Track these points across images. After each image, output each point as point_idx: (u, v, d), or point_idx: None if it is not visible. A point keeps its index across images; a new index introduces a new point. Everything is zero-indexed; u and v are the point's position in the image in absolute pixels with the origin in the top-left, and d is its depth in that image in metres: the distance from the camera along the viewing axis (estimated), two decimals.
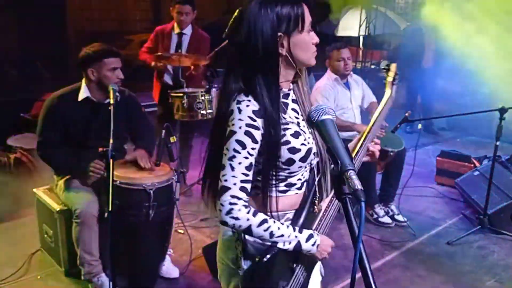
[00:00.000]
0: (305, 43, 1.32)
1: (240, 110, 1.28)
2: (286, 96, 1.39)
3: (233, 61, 1.34)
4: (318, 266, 1.49)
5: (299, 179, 1.39)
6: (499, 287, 2.95)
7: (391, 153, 3.60)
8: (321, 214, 1.41)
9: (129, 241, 2.57)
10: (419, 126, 3.54)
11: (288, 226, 1.33)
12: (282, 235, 1.31)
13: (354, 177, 0.99)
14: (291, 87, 1.42)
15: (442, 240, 3.51)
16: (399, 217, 3.72)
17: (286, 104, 1.38)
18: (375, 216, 3.71)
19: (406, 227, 3.66)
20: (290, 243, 1.32)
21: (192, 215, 3.69)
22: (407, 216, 3.79)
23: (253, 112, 1.28)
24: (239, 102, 1.28)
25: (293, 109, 1.40)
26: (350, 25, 8.85)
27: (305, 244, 1.34)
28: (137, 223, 2.54)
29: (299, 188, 1.40)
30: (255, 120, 1.27)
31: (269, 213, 1.34)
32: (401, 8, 14.15)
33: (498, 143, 3.47)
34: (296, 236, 1.33)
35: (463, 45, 7.20)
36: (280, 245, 1.32)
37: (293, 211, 1.41)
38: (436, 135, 6.27)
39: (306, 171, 1.41)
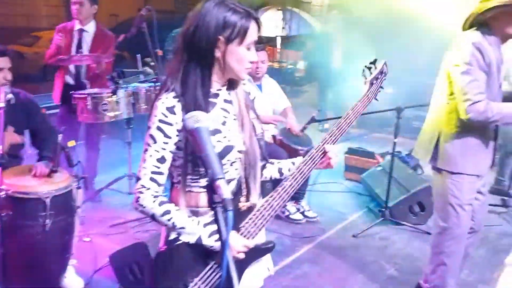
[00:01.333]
0: (240, 56, 1.38)
1: (156, 107, 1.38)
2: (216, 95, 1.44)
3: (178, 48, 1.41)
4: (265, 262, 1.58)
5: None
6: (398, 275, 3.16)
7: (301, 152, 3.72)
8: (252, 212, 1.44)
9: (25, 254, 2.41)
10: (326, 125, 3.67)
11: (193, 220, 1.39)
12: (184, 228, 1.39)
13: (224, 185, 0.99)
14: (225, 88, 1.47)
15: (349, 233, 3.69)
16: (310, 213, 3.85)
17: (214, 104, 1.43)
18: (287, 213, 3.81)
19: (316, 223, 3.81)
20: (193, 236, 1.39)
21: (100, 222, 3.54)
22: (318, 211, 3.94)
23: (167, 108, 1.36)
24: (157, 100, 1.39)
25: (223, 109, 1.45)
26: (267, 25, 9.03)
27: (206, 239, 1.39)
28: (34, 234, 2.39)
29: None
30: (167, 116, 1.36)
31: (194, 208, 1.42)
32: (316, 10, 14.69)
33: (396, 140, 3.72)
34: (198, 231, 1.39)
35: (370, 47, 7.64)
36: (182, 237, 1.40)
37: None
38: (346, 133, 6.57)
39: (236, 169, 1.46)
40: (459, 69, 2.31)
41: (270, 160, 1.67)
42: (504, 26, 2.30)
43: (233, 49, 1.36)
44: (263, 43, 3.70)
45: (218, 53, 1.37)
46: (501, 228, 3.89)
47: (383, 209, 3.81)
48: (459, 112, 2.33)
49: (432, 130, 2.52)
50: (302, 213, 3.85)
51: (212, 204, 1.00)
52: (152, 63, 3.99)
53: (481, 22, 2.34)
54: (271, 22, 8.68)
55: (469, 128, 2.38)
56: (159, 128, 1.36)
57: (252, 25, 1.38)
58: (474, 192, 2.52)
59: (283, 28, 8.41)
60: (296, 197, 3.90)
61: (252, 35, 1.38)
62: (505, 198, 4.21)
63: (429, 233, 3.39)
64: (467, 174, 2.43)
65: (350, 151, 4.79)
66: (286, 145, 3.66)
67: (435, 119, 2.52)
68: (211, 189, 1.01)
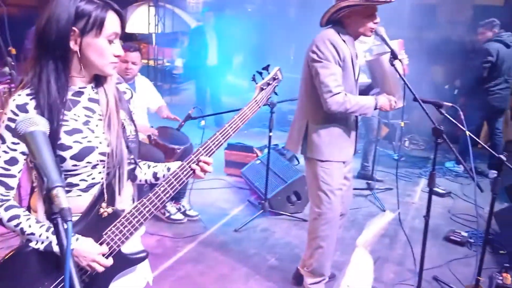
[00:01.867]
0: (100, 48, 1.30)
1: (8, 105, 1.28)
2: (79, 93, 1.36)
3: (32, 43, 1.30)
4: (141, 271, 1.50)
5: (83, 180, 1.34)
6: (279, 264, 3.26)
7: (178, 150, 3.64)
8: (118, 219, 1.35)
9: None
10: (202, 122, 3.64)
11: (42, 226, 1.28)
12: (33, 234, 1.29)
13: (62, 194, 0.89)
14: (91, 86, 1.38)
15: (231, 228, 3.72)
16: (191, 212, 3.80)
17: (76, 102, 1.35)
18: (167, 214, 3.70)
19: (198, 221, 3.77)
20: (42, 242, 1.30)
21: None
22: (199, 209, 3.90)
23: (17, 106, 1.26)
24: (12, 97, 1.29)
25: (86, 108, 1.37)
26: (139, 21, 8.71)
27: (55, 246, 1.28)
28: None
29: (84, 190, 1.34)
30: (17, 115, 1.25)
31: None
32: (192, 8, 14.61)
33: (271, 133, 3.83)
34: (47, 237, 1.28)
35: (246, 44, 7.82)
36: (32, 244, 1.30)
37: (79, 214, 1.33)
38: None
39: (99, 172, 1.35)
40: (318, 64, 2.45)
41: (145, 163, 1.59)
42: (355, 25, 2.50)
43: (91, 41, 1.28)
44: (136, 42, 3.52)
45: (74, 46, 1.27)
46: (368, 209, 4.26)
47: (263, 201, 3.91)
48: (322, 104, 2.48)
49: (300, 122, 2.64)
50: (183, 212, 3.77)
51: (50, 215, 0.89)
52: (13, 63, 3.56)
53: (336, 20, 2.51)
54: (144, 19, 8.38)
55: (332, 119, 2.55)
56: (8, 127, 1.27)
57: (110, 16, 1.29)
58: (342, 178, 2.71)
59: (156, 25, 8.17)
60: (176, 197, 3.81)
61: (111, 26, 1.29)
62: (369, 181, 4.60)
63: (306, 220, 3.57)
64: (335, 161, 2.60)
65: (229, 147, 4.83)
66: (161, 145, 3.55)
67: (302, 111, 2.65)
68: (48, 199, 0.90)
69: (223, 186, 4.58)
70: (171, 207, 3.70)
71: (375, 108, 2.55)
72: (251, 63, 8.61)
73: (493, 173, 5.09)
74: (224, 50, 6.51)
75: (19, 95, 1.27)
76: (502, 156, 2.72)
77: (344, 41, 2.49)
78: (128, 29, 9.12)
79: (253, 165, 4.45)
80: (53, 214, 0.87)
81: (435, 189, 4.69)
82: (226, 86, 6.65)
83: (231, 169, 4.77)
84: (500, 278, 3.17)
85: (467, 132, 2.82)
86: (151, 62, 8.64)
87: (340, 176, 2.67)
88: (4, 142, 1.28)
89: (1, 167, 1.28)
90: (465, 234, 3.78)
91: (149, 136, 3.68)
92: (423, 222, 4.08)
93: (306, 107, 2.62)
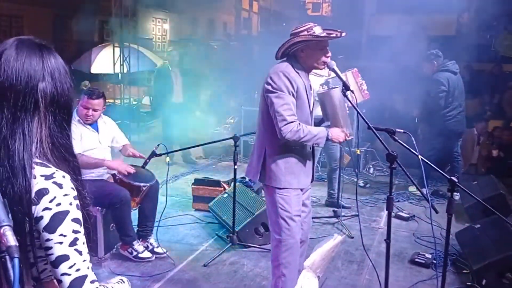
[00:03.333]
0: None
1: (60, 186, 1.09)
2: None
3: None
4: None
5: None
6: None
7: (143, 188, 3.65)
8: None
9: None
10: (167, 159, 3.69)
11: None
12: None
13: (9, 233, 0.92)
14: None
15: (200, 263, 3.70)
16: (159, 249, 3.77)
17: None
18: (135, 253, 3.66)
19: (166, 258, 3.73)
20: None
21: None
22: (167, 246, 3.88)
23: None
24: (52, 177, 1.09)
25: None
26: (105, 62, 8.78)
27: None
28: None
29: None
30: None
31: None
32: (159, 47, 14.86)
33: (236, 166, 3.90)
34: None
35: (212, 81, 7.98)
36: None
37: None
38: (194, 164, 6.68)
39: None
40: (273, 94, 2.57)
41: None
42: (307, 58, 2.65)
43: None
44: (99, 92, 3.58)
45: None
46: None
47: (231, 235, 3.92)
48: (277, 133, 2.58)
49: (259, 151, 2.74)
50: (151, 250, 3.74)
51: None
52: None
53: (290, 54, 2.66)
54: (109, 59, 8.46)
55: (288, 148, 2.66)
56: (78, 207, 1.13)
57: None
58: (301, 205, 2.78)
59: (121, 64, 8.25)
60: (143, 235, 3.79)
61: None
62: (336, 209, 4.69)
63: None
64: (292, 189, 2.68)
65: (197, 182, 4.86)
66: (126, 183, 3.55)
67: (260, 141, 2.75)
68: None
69: (191, 222, 4.57)
70: (138, 246, 3.67)
71: (327, 139, 2.67)
72: (218, 98, 8.76)
73: (455, 195, 5.27)
74: (190, 87, 6.62)
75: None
76: (453, 178, 2.85)
77: (297, 73, 2.63)
78: (94, 70, 9.17)
79: (220, 199, 4.48)
80: (1, 252, 0.90)
81: (400, 213, 4.85)
82: (193, 122, 6.73)
83: (199, 204, 4.78)
84: None
85: (420, 157, 2.96)
86: (118, 102, 8.66)
87: (298, 203, 2.75)
88: (81, 224, 1.12)
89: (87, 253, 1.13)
90: (429, 256, 3.87)
91: (113, 175, 3.68)
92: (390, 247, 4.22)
93: (263, 136, 2.72)
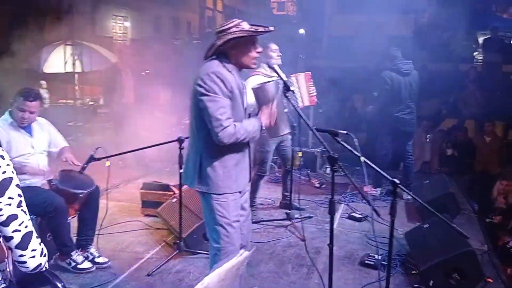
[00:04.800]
0: None
1: None
2: None
3: None
4: None
5: None
6: None
7: (81, 195, 3.46)
8: None
9: None
10: (107, 163, 3.50)
11: None
12: None
13: None
14: None
15: (144, 272, 3.54)
16: (100, 259, 3.58)
17: None
18: (73, 264, 3.46)
19: (108, 268, 3.56)
20: None
21: None
22: (110, 255, 3.71)
23: None
24: None
25: None
26: (57, 61, 8.43)
27: None
28: None
29: None
30: None
31: None
32: (119, 45, 14.47)
33: (182, 170, 3.75)
34: None
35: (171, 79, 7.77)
36: None
37: None
38: (148, 167, 6.49)
39: None
40: (206, 98, 2.44)
41: None
42: (238, 55, 2.55)
43: None
44: (35, 94, 3.37)
45: None
46: (287, 240, 4.24)
47: (178, 241, 3.78)
48: (213, 137, 2.46)
49: (194, 156, 2.61)
50: (91, 260, 3.55)
51: None
52: None
53: (221, 52, 2.54)
54: (61, 58, 8.13)
55: (224, 150, 2.55)
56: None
57: None
58: (239, 209, 2.68)
59: (73, 64, 7.95)
60: (83, 244, 3.60)
61: None
62: (289, 211, 4.61)
63: None
64: (230, 193, 2.57)
65: (145, 186, 4.69)
66: (62, 190, 3.36)
67: (194, 147, 2.62)
68: None
69: (139, 228, 4.40)
70: (77, 256, 3.47)
71: (261, 128, 2.59)
72: (178, 97, 8.55)
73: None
74: (148, 86, 6.43)
75: None
76: (395, 180, 2.80)
77: (230, 72, 2.51)
78: (46, 70, 8.81)
79: (169, 203, 4.33)
80: None
81: (353, 214, 4.82)
82: (149, 122, 6.53)
83: (148, 209, 4.61)
84: None
85: (362, 158, 2.91)
86: (70, 102, 8.34)
87: (236, 207, 2.65)
88: None
89: None
90: (379, 257, 3.84)
91: (49, 181, 3.48)
92: (340, 249, 4.18)
93: (198, 142, 2.60)
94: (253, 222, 4.53)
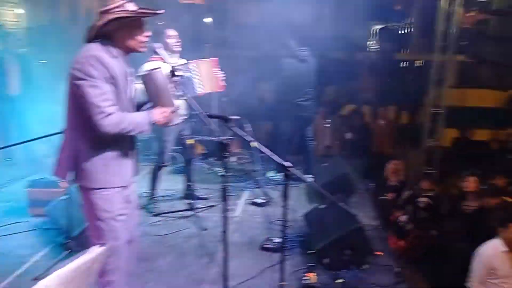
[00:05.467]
0: None
1: None
2: None
3: None
4: None
5: None
6: None
7: None
8: None
9: None
10: None
11: None
12: None
13: None
14: None
15: (29, 277, 3.25)
16: None
17: None
18: None
19: None
20: None
21: None
22: None
23: None
24: None
25: None
26: None
27: None
28: None
29: None
30: None
31: None
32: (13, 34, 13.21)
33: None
34: None
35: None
36: None
37: None
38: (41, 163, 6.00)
39: None
40: (86, 83, 2.25)
41: None
42: (124, 38, 2.37)
43: None
44: None
45: None
46: (188, 231, 4.16)
47: (68, 241, 3.53)
48: (94, 127, 2.28)
49: (69, 148, 2.41)
50: None
51: None
52: None
53: (104, 34, 2.35)
54: None
55: (105, 142, 2.37)
56: None
57: None
58: (123, 202, 2.53)
59: None
60: None
61: None
62: (191, 201, 4.53)
63: None
64: (112, 188, 2.42)
65: (34, 184, 4.32)
66: None
67: (70, 137, 2.42)
68: None
69: (25, 230, 4.04)
70: None
71: (151, 124, 2.46)
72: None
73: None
74: (34, 77, 5.91)
75: None
76: (286, 163, 2.85)
77: (115, 56, 2.34)
78: None
79: (58, 201, 4.01)
80: None
81: (255, 200, 4.88)
82: (38, 114, 6.02)
83: (36, 208, 4.25)
84: (306, 278, 3.34)
85: (254, 143, 2.91)
86: None
87: (120, 201, 2.49)
88: None
89: None
90: (279, 240, 3.91)
91: None
92: (243, 236, 4.21)
93: (74, 132, 2.40)
94: (154, 215, 4.43)
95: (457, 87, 8.63)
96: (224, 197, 2.78)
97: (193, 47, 7.40)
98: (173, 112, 2.54)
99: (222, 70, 4.69)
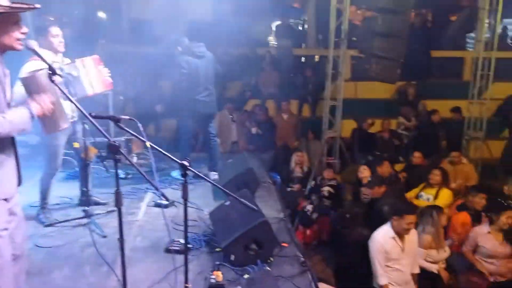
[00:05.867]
0: None
1: None
2: None
3: None
4: None
5: None
6: None
7: None
8: None
9: None
10: None
11: None
12: None
13: None
14: None
15: None
16: None
17: None
18: None
19: None
20: None
21: None
22: None
23: None
24: None
25: None
26: None
27: None
28: None
29: None
30: None
31: None
32: None
33: None
34: None
35: None
36: None
37: None
38: None
39: None
40: None
41: None
42: None
43: None
44: None
45: None
46: (85, 240, 3.87)
47: None
48: None
49: None
50: None
51: None
52: None
53: None
54: None
55: None
56: None
57: None
58: (7, 215, 2.29)
59: None
60: None
61: None
62: (87, 208, 4.22)
63: None
64: None
65: None
66: None
67: None
68: None
69: None
70: None
71: (33, 117, 2.26)
72: None
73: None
74: None
75: None
76: (184, 162, 2.76)
77: None
78: None
79: None
80: None
81: (159, 201, 4.70)
82: None
83: None
84: (213, 277, 3.28)
85: (148, 143, 2.79)
86: None
87: (3, 214, 2.25)
88: None
89: None
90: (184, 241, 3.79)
91: None
92: (146, 240, 4.03)
93: None
94: (46, 226, 4.08)
95: (351, 81, 9.17)
96: (118, 201, 2.61)
97: (86, 44, 6.95)
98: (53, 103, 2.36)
99: (118, 67, 4.45)
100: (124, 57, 8.12)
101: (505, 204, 5.13)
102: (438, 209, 4.78)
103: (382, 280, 4.16)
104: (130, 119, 2.73)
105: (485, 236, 4.80)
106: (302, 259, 3.69)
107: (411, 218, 4.16)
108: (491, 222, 4.83)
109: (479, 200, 5.37)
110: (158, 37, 8.28)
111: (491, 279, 4.74)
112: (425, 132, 8.40)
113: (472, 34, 9.50)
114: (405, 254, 4.22)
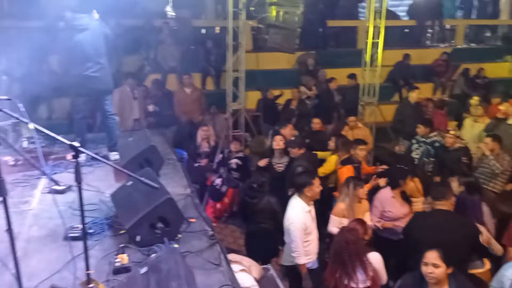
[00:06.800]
0: None
1: None
2: None
3: None
4: None
5: None
6: None
7: None
8: None
9: None
10: None
11: None
12: None
13: None
14: None
15: None
16: None
17: None
18: None
19: None
20: None
21: None
22: None
23: None
24: None
25: None
26: None
27: None
28: None
29: None
30: None
31: None
32: None
33: None
34: None
35: None
36: None
37: None
38: None
39: None
40: None
41: None
42: None
43: None
44: None
45: None
46: None
47: None
48: None
49: None
50: None
51: None
52: None
53: None
54: None
55: None
56: None
57: None
58: None
59: None
60: None
61: None
62: None
63: None
64: None
65: None
66: None
67: None
68: None
69: None
70: None
71: None
72: None
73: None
74: None
75: None
76: (73, 143, 2.58)
77: None
78: None
79: None
80: None
81: (54, 187, 4.37)
82: None
83: None
84: (117, 260, 3.15)
85: (31, 125, 2.55)
86: None
87: None
88: None
89: None
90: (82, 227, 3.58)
91: None
92: (43, 228, 3.74)
93: None
94: None
95: (252, 52, 9.22)
96: (2, 190, 2.36)
97: None
98: None
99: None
100: (6, 32, 7.34)
101: (406, 168, 5.48)
102: (357, 180, 4.97)
103: (302, 259, 4.35)
104: (8, 99, 2.46)
105: (390, 201, 5.02)
106: (211, 232, 3.69)
107: (317, 180, 4.43)
108: (394, 187, 5.09)
109: (360, 152, 5.85)
110: (42, 10, 7.55)
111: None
112: (325, 99, 8.77)
113: (364, 4, 9.98)
114: (315, 224, 4.48)
